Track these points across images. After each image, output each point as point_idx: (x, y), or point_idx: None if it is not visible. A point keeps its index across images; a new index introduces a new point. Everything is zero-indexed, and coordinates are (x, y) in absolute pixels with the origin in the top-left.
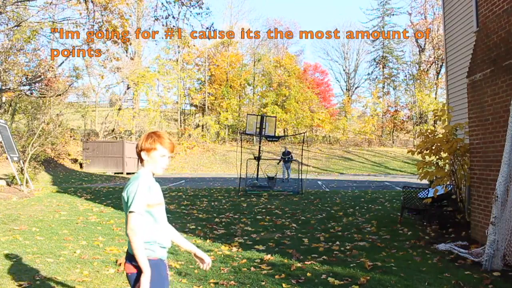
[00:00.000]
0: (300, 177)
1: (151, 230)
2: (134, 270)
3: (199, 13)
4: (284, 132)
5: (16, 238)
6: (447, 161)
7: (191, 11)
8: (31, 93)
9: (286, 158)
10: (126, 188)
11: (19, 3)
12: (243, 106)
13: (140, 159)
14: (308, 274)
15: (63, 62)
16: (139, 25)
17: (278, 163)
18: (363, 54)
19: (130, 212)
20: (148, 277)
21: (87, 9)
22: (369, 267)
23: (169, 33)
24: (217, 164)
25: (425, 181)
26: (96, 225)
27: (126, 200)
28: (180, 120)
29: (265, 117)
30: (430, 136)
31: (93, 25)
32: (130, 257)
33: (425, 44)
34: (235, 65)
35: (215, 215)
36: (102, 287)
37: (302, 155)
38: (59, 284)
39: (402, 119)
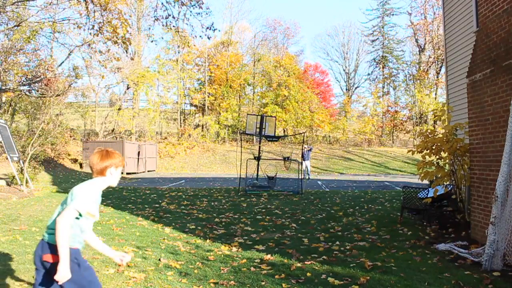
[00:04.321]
0: (300, 177)
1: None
2: (52, 260)
3: (199, 13)
4: (284, 132)
5: (16, 238)
6: (447, 161)
7: (191, 11)
8: (30, 93)
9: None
10: (78, 186)
11: (19, 3)
12: (243, 106)
13: (101, 173)
14: (308, 274)
15: (63, 62)
16: (139, 25)
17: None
18: (363, 54)
19: (72, 208)
20: (66, 264)
21: (86, 9)
22: (369, 267)
23: (170, 29)
24: (217, 164)
25: (425, 181)
26: (95, 225)
27: (71, 195)
28: (180, 120)
29: (265, 117)
30: (430, 136)
31: (94, 26)
32: (52, 248)
33: (425, 44)
34: (235, 65)
35: (215, 215)
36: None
37: (302, 155)
38: None
39: (402, 119)
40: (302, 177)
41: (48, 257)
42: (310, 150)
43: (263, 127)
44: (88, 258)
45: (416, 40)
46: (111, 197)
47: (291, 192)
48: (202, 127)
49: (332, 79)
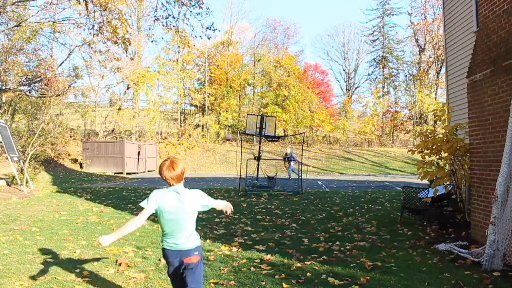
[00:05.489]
0: (300, 177)
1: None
2: (198, 258)
3: (199, 13)
4: (284, 132)
5: (16, 238)
6: (447, 161)
7: (191, 11)
8: (30, 93)
9: (286, 158)
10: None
11: (19, 3)
12: (243, 106)
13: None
14: (308, 274)
15: (63, 62)
16: (139, 25)
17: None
18: (363, 54)
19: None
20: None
21: (86, 9)
22: (369, 267)
23: (170, 29)
24: (217, 164)
25: (425, 181)
26: (96, 225)
27: (206, 203)
28: (180, 120)
29: (265, 117)
30: (430, 136)
31: (94, 26)
32: (195, 249)
33: (425, 44)
34: (235, 65)
35: (215, 215)
36: (102, 287)
37: (302, 155)
38: (59, 284)
39: (402, 119)
40: (300, 176)
41: (188, 259)
42: (292, 157)
43: (263, 127)
44: (88, 258)
45: (416, 40)
46: (111, 197)
47: (291, 192)
48: (202, 127)
49: (332, 79)
